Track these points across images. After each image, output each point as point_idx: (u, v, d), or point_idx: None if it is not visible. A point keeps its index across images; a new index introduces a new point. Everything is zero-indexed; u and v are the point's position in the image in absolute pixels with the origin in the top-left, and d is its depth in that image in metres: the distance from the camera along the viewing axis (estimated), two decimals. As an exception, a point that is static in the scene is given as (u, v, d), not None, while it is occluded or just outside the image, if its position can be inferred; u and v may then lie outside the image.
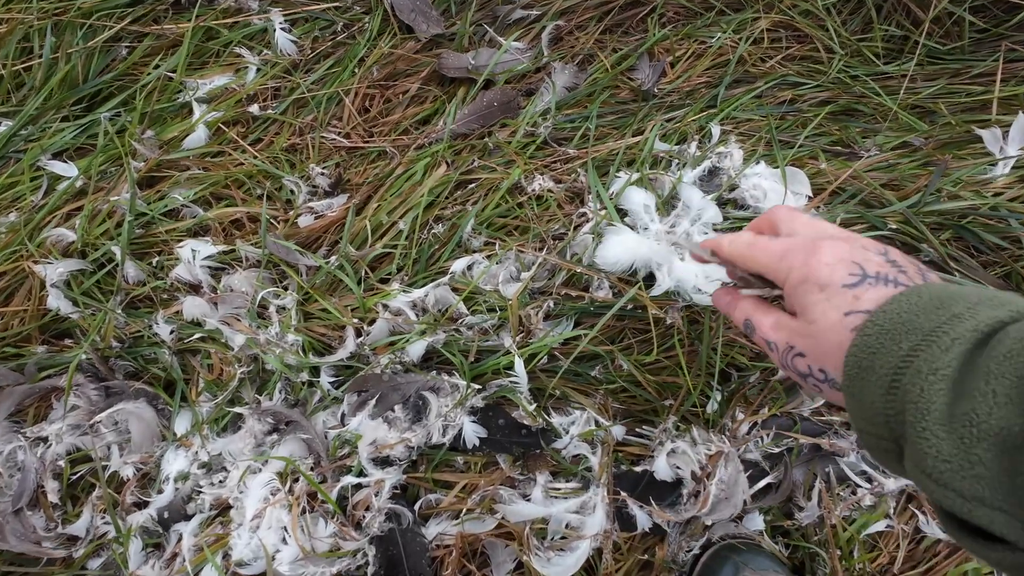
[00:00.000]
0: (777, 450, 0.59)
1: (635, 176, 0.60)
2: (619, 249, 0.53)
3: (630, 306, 0.56)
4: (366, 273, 0.56)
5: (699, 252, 0.42)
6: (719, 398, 0.59)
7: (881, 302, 0.30)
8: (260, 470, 0.53)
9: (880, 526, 0.58)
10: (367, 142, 0.63)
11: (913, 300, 0.29)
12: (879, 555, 0.56)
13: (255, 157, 0.60)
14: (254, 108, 0.61)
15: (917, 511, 0.58)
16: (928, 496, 0.26)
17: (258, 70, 0.64)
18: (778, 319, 0.36)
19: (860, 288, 0.31)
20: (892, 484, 0.58)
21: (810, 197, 0.62)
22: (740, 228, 0.61)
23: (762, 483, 0.59)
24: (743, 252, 0.38)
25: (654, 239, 0.55)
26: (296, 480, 0.53)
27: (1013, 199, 0.59)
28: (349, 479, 0.52)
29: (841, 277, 0.32)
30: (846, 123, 0.69)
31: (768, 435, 0.59)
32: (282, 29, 0.65)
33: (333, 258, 0.55)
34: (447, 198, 0.60)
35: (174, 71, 0.62)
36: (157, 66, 0.63)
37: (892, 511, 0.57)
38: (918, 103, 0.70)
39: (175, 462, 0.54)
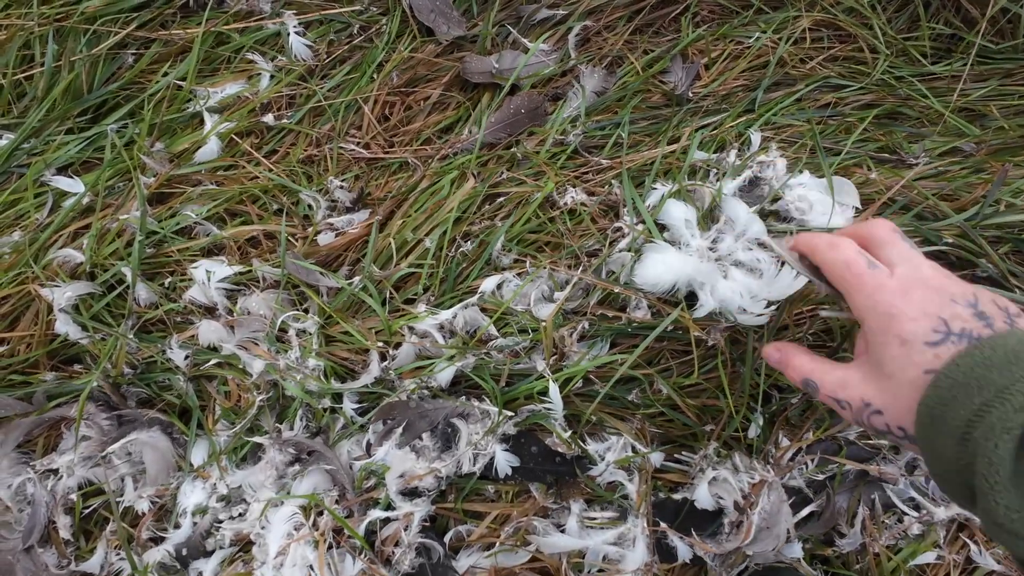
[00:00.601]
0: (822, 477, 0.57)
1: (673, 188, 0.57)
2: (660, 268, 0.50)
3: (670, 327, 0.53)
4: (390, 294, 0.54)
5: (786, 253, 0.41)
6: (761, 422, 0.56)
7: (957, 354, 0.30)
8: (282, 503, 0.50)
9: (930, 557, 0.55)
10: (388, 152, 0.60)
11: (987, 354, 0.30)
12: (931, 587, 0.54)
13: (270, 170, 0.57)
14: (268, 118, 0.58)
15: (969, 541, 0.55)
16: (1001, 544, 0.27)
17: (272, 77, 0.60)
18: (845, 376, 0.35)
19: (942, 347, 0.31)
20: (943, 513, 0.55)
21: (858, 209, 0.59)
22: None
23: (805, 511, 0.57)
24: (837, 270, 0.36)
25: (696, 256, 0.51)
26: (321, 514, 0.51)
27: (1076, 210, 0.56)
28: (377, 513, 0.50)
29: (924, 334, 0.32)
30: (891, 127, 0.66)
31: (812, 460, 0.56)
32: (296, 33, 0.62)
33: (356, 279, 0.52)
34: (475, 213, 0.56)
35: (183, 79, 0.59)
36: (165, 74, 0.60)
37: (942, 540, 0.55)
38: (968, 105, 0.66)
39: (192, 495, 0.51)
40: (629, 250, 0.55)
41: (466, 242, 0.55)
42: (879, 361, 0.33)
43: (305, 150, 0.60)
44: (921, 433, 0.30)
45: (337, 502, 0.51)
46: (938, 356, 0.31)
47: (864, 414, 0.34)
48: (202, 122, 0.59)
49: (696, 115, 0.66)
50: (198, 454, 0.53)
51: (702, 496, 0.55)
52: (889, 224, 0.38)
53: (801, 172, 0.60)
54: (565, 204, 0.57)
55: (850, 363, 0.36)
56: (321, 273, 0.54)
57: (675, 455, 0.57)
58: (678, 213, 0.55)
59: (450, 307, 0.54)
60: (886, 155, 0.62)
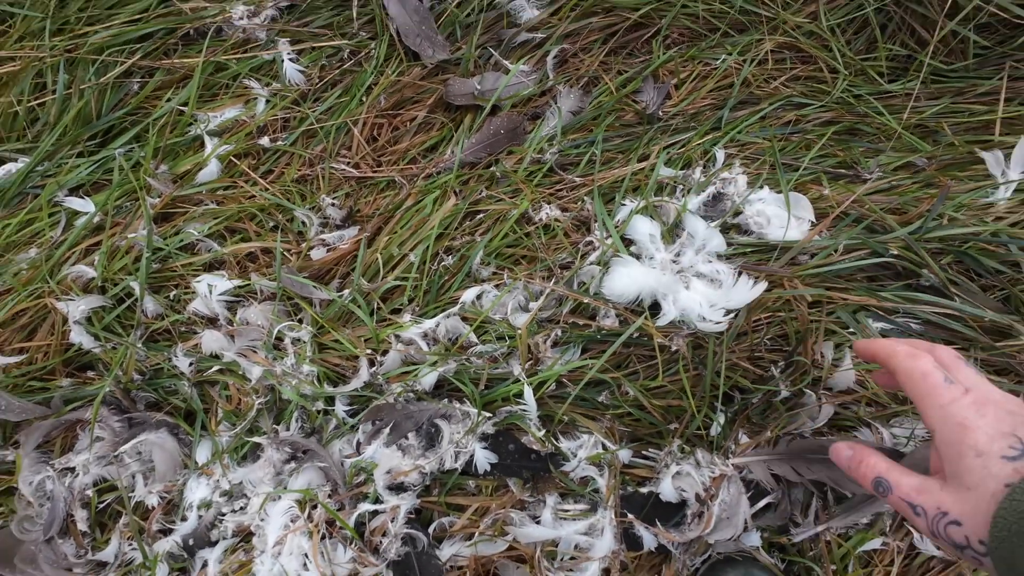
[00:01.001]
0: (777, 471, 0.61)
1: (640, 204, 0.61)
2: (625, 281, 0.55)
3: (636, 334, 0.58)
4: (378, 305, 0.58)
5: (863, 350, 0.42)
6: (722, 420, 0.61)
7: None
8: (280, 498, 0.55)
9: (876, 543, 0.60)
10: (376, 171, 0.65)
11: None
12: (874, 570, 0.58)
13: (266, 190, 0.62)
14: (264, 140, 0.63)
15: (913, 529, 0.60)
16: None
17: (267, 101, 0.65)
18: (923, 482, 0.36)
19: (1021, 463, 0.32)
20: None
21: (813, 223, 0.63)
22: (744, 256, 0.63)
23: (762, 503, 0.62)
24: (913, 377, 0.37)
25: (659, 268, 0.56)
26: (315, 507, 0.55)
27: (1014, 224, 0.60)
28: (366, 506, 0.55)
29: (1000, 449, 0.32)
30: (849, 143, 0.70)
31: (770, 456, 0.60)
32: (290, 59, 0.66)
33: (346, 291, 0.57)
34: (456, 229, 0.61)
35: (185, 104, 0.63)
36: (169, 100, 0.64)
37: (888, 528, 0.59)
38: (922, 122, 0.71)
39: (197, 490, 0.56)
40: (599, 263, 0.59)
41: (448, 256, 0.60)
42: (956, 473, 0.33)
43: (299, 170, 0.64)
44: (997, 548, 0.30)
45: (330, 496, 0.56)
46: (1017, 471, 0.31)
47: (941, 523, 0.33)
48: (203, 145, 0.63)
49: (666, 133, 0.70)
50: (202, 453, 0.58)
51: (666, 489, 0.59)
52: (953, 351, 0.40)
53: (761, 188, 0.64)
54: (540, 220, 0.62)
55: (928, 475, 0.37)
56: (314, 286, 0.58)
57: (642, 452, 0.61)
58: (644, 228, 0.60)
59: (433, 317, 0.59)
60: (843, 170, 0.67)
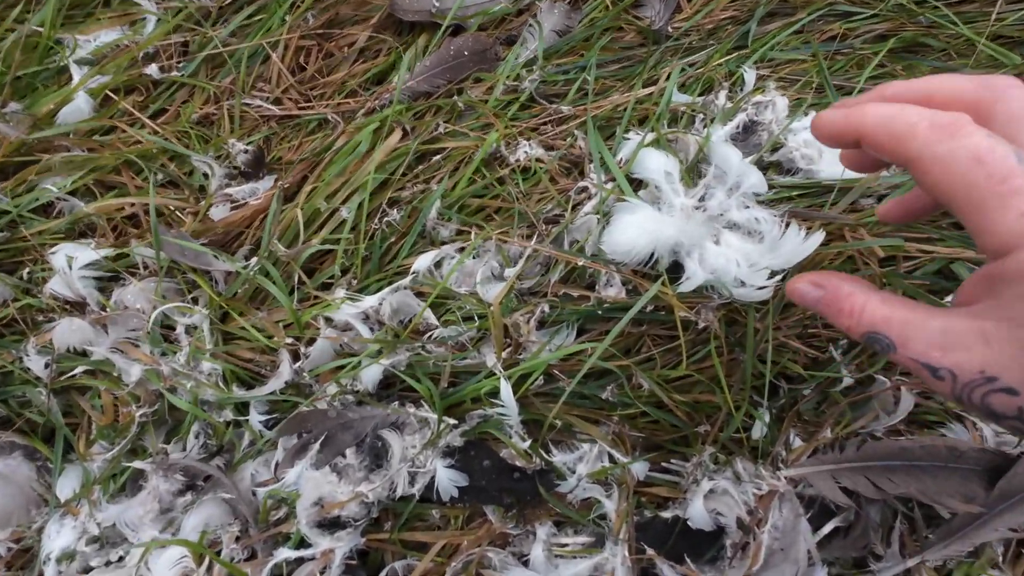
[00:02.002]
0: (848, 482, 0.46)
1: (650, 136, 0.46)
2: (634, 232, 0.40)
3: (650, 307, 0.43)
4: (300, 278, 0.43)
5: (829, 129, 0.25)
6: (767, 419, 0.46)
7: None
8: (168, 546, 0.40)
9: (984, 578, 0.45)
10: (303, 108, 0.50)
11: None
12: (987, 619, 0.43)
13: (156, 133, 0.47)
14: (152, 69, 0.48)
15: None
16: None
17: (159, 21, 0.50)
18: (948, 330, 0.23)
19: None
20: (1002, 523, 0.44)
21: (877, 155, 0.48)
22: (790, 200, 0.48)
23: (827, 527, 0.47)
24: (953, 172, 0.22)
25: (680, 216, 0.41)
26: (219, 553, 0.40)
27: None
28: (286, 552, 0.40)
29: None
30: (911, 61, 0.55)
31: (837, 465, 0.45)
32: (188, -33, 0.51)
33: (253, 260, 0.41)
34: (404, 175, 0.46)
35: (41, 26, 0.48)
36: (22, 20, 0.49)
37: (1001, 560, 0.44)
38: (1003, 32, 0.55)
39: (59, 536, 0.41)
40: (597, 213, 0.44)
41: (393, 211, 0.45)
42: (1021, 314, 0.21)
43: (201, 108, 0.49)
44: None
45: (237, 540, 0.41)
46: None
47: (979, 392, 0.22)
48: (71, 78, 0.48)
49: (677, 54, 0.55)
50: (67, 484, 0.43)
51: (697, 513, 0.45)
52: (1014, 80, 0.24)
53: (807, 114, 0.49)
54: (517, 161, 0.46)
55: (953, 311, 0.24)
56: (214, 255, 0.43)
57: (662, 464, 0.46)
58: (656, 164, 0.45)
59: (376, 292, 0.44)
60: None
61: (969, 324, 0.23)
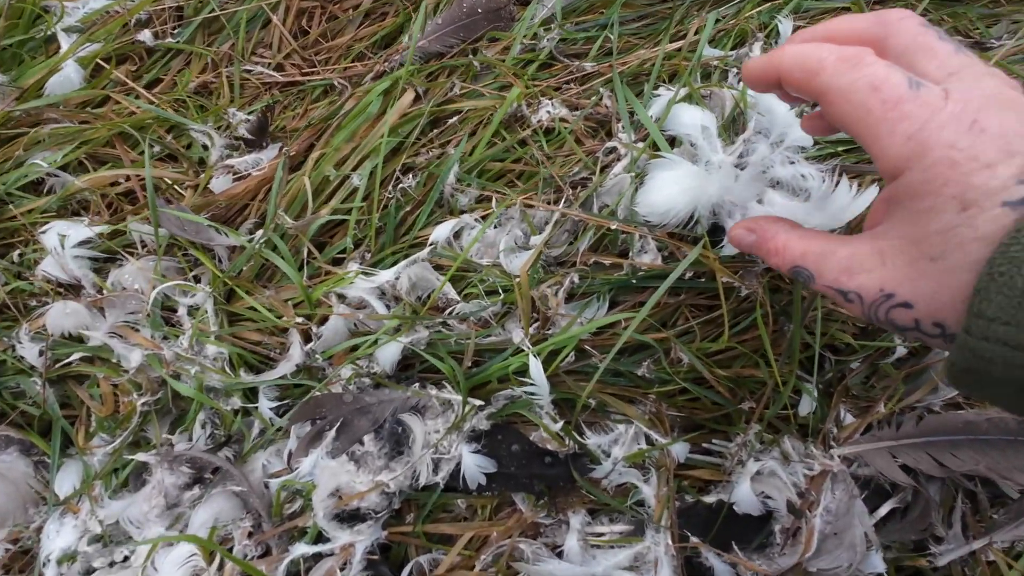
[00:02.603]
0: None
1: (682, 91, 0.42)
2: (673, 190, 0.36)
3: (688, 274, 0.39)
4: (310, 252, 0.40)
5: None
6: (816, 394, 0.42)
7: None
8: (176, 543, 0.37)
9: (1055, 561, 0.41)
10: (307, 74, 0.46)
11: None
12: (1066, 605, 0.40)
13: (151, 103, 0.43)
14: (145, 36, 0.45)
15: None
16: None
17: (151, -15, 0.46)
18: (853, 257, 0.25)
19: None
20: (1073, 500, 0.41)
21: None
22: (835, 156, 0.44)
23: (884, 509, 0.43)
24: (853, 101, 0.23)
25: (720, 173, 0.37)
26: (231, 550, 0.37)
27: None
28: (302, 547, 0.37)
29: (1004, 187, 0.21)
30: (956, 8, 0.51)
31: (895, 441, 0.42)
32: (180, -73, 0.47)
33: (258, 233, 0.38)
34: (419, 140, 0.42)
35: (27, -11, 0.45)
36: (5, -15, 0.46)
37: (1077, 539, 0.41)
38: (1056, -26, 0.51)
39: (59, 536, 0.39)
40: (628, 173, 0.41)
41: (408, 177, 0.41)
42: (918, 236, 0.23)
43: (198, 76, 0.46)
44: (990, 310, 0.20)
45: (250, 536, 0.38)
46: (1020, 221, 0.20)
47: (882, 308, 0.24)
48: (59, 47, 0.45)
49: (703, 8, 0.51)
50: (66, 480, 0.40)
51: (744, 497, 0.41)
52: (913, 15, 0.25)
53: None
54: (539, 121, 0.43)
55: (858, 237, 0.26)
56: (217, 230, 0.40)
57: (703, 444, 0.43)
58: (691, 119, 0.41)
59: (392, 265, 0.40)
60: (960, 39, 0.48)
61: (870, 246, 0.25)
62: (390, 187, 0.42)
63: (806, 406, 0.44)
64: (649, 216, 0.39)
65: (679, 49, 0.47)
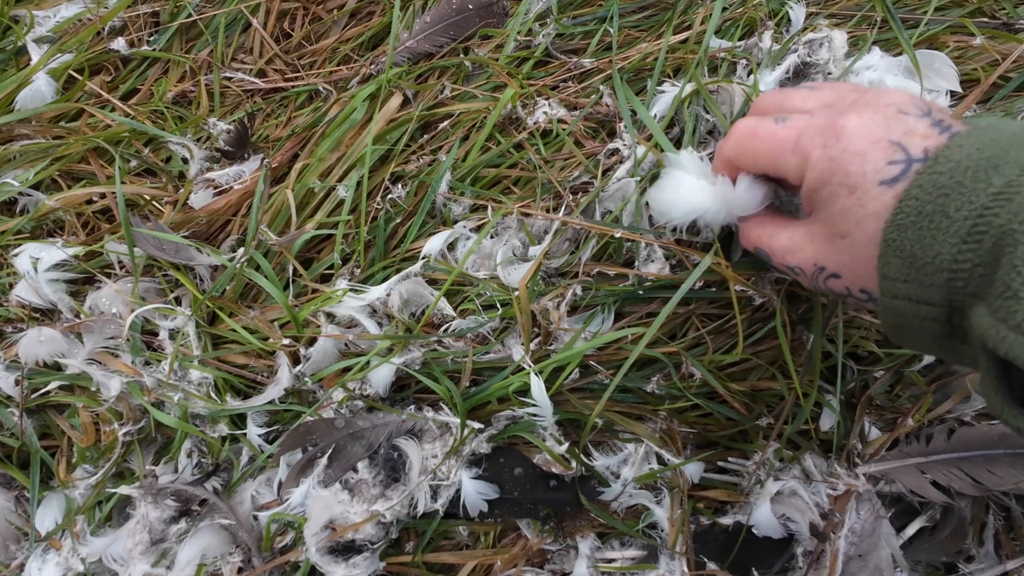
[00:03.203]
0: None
1: (688, 88, 0.39)
2: (689, 188, 0.34)
3: (699, 283, 0.37)
4: (295, 270, 0.37)
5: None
6: (837, 407, 0.39)
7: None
8: (162, 580, 0.35)
9: (1098, 579, 0.38)
10: (291, 80, 0.44)
11: (994, 135, 0.24)
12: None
13: (128, 115, 0.41)
14: (119, 44, 0.42)
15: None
16: (1000, 353, 0.21)
17: (124, -10, 0.44)
18: (792, 239, 0.30)
19: (903, 183, 0.25)
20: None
21: (955, 94, 0.41)
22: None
23: (912, 528, 0.40)
24: (749, 152, 0.31)
25: (720, 183, 0.34)
26: (220, 587, 0.35)
27: None
28: (295, 584, 0.34)
29: (876, 169, 0.25)
30: (980, -10, 0.48)
31: (925, 457, 0.39)
32: (154, -72, 0.45)
33: (239, 251, 0.36)
34: (408, 147, 0.40)
35: (-6, -1, 0.43)
36: (-29, -5, 0.44)
37: (1123, 558, 0.38)
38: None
39: (41, 574, 0.36)
40: (632, 177, 0.38)
41: (397, 187, 0.39)
42: (828, 218, 0.28)
43: (176, 85, 0.43)
44: (897, 240, 0.24)
45: (240, 571, 0.36)
46: (897, 196, 0.25)
47: (819, 279, 0.29)
48: (30, 59, 0.43)
49: (709, -3, 0.48)
50: (48, 514, 0.38)
51: (763, 519, 0.39)
52: (773, 90, 0.33)
53: (870, 51, 0.42)
54: (536, 123, 0.40)
55: (796, 222, 0.31)
56: (197, 248, 0.38)
57: (719, 463, 0.41)
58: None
59: (383, 280, 0.38)
60: (986, 20, 0.44)
61: (804, 229, 0.30)
62: (379, 198, 0.39)
63: (828, 420, 0.41)
64: (661, 217, 0.37)
65: (684, 41, 0.44)
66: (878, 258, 0.25)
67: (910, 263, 0.24)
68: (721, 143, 0.33)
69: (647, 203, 0.38)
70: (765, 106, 0.32)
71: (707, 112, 0.41)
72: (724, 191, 0.33)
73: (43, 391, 0.38)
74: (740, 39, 0.46)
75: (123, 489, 0.37)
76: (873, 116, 0.26)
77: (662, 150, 0.39)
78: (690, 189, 0.34)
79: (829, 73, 0.42)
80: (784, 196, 0.35)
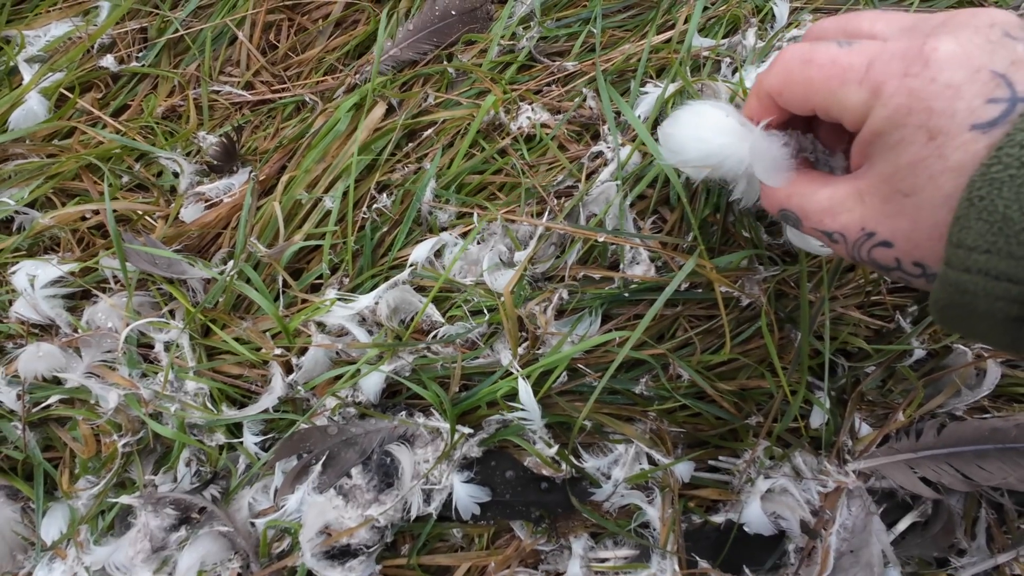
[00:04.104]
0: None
1: (672, 87, 0.39)
2: (710, 125, 0.28)
3: (684, 284, 0.37)
4: (285, 281, 0.38)
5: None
6: (827, 404, 0.40)
7: None
8: (163, 587, 0.36)
9: (1093, 571, 0.38)
10: (278, 91, 0.44)
11: None
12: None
13: (119, 132, 0.42)
14: (108, 61, 0.43)
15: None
16: None
17: (113, 7, 0.44)
18: (834, 198, 0.25)
19: (1001, 127, 0.19)
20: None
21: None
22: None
23: (903, 524, 0.41)
24: (793, 74, 0.24)
25: (756, 133, 0.28)
26: (221, 592, 0.36)
27: None
28: (292, 589, 0.35)
29: (970, 109, 0.20)
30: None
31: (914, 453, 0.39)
32: (140, -56, 0.45)
33: (229, 264, 0.36)
34: (393, 156, 0.40)
35: (-14, 21, 0.43)
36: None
37: (1116, 550, 0.38)
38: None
39: (48, 583, 0.37)
40: (616, 180, 0.38)
41: (383, 196, 0.39)
42: (890, 172, 0.22)
43: (165, 100, 0.44)
44: (970, 239, 0.20)
45: (239, 577, 0.37)
46: (993, 146, 0.19)
47: (864, 248, 0.24)
48: (21, 79, 0.44)
49: (694, -6, 0.48)
50: (53, 524, 0.39)
51: (754, 517, 0.39)
52: (826, 19, 0.27)
53: (853, 45, 0.42)
54: (519, 128, 0.40)
55: (839, 178, 0.25)
56: (189, 262, 0.38)
57: (709, 462, 0.41)
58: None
59: (372, 289, 0.38)
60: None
61: (849, 187, 0.24)
62: (365, 207, 0.40)
63: (818, 418, 0.41)
64: (673, 153, 0.30)
65: (667, 41, 0.44)
66: (952, 223, 0.20)
67: (999, 230, 0.19)
68: (762, 74, 0.26)
69: (658, 138, 0.31)
70: (823, 31, 0.26)
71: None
72: (756, 137, 0.27)
73: (44, 405, 0.39)
74: (724, 37, 0.45)
75: (124, 499, 0.38)
76: (973, 38, 0.20)
77: (646, 152, 0.39)
78: (716, 126, 0.28)
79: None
80: (822, 153, 0.28)
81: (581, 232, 0.38)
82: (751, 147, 0.27)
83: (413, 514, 0.38)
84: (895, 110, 0.21)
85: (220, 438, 0.40)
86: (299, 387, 0.39)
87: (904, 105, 0.21)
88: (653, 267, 0.38)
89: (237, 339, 0.39)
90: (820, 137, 0.28)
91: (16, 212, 0.41)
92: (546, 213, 0.39)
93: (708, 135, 0.28)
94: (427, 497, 0.39)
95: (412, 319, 0.39)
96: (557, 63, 0.44)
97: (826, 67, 0.23)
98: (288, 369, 0.39)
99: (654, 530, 0.40)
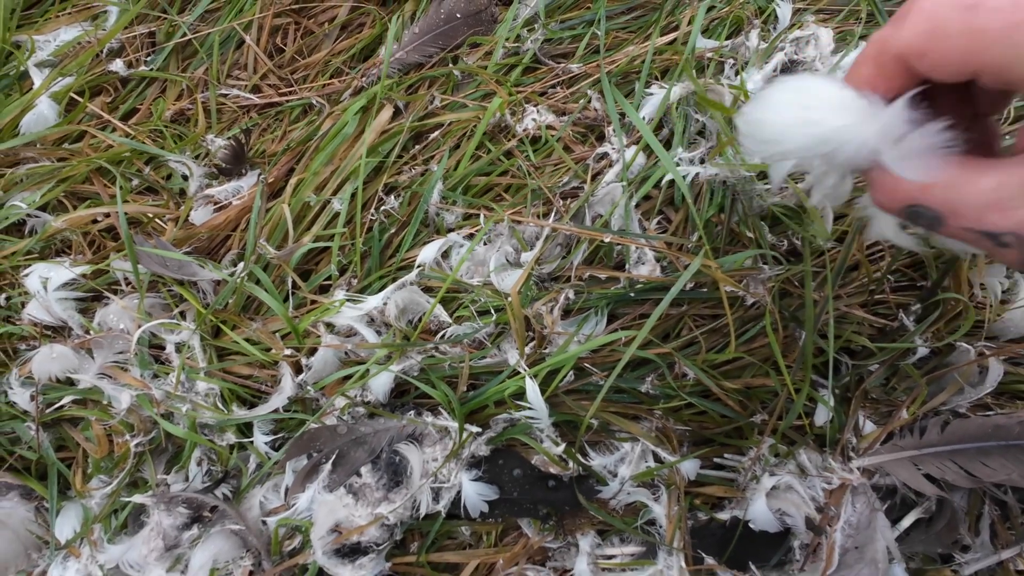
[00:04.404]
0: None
1: (677, 88, 0.40)
2: (829, 98, 0.22)
3: (690, 284, 0.37)
4: (294, 282, 0.38)
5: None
6: (831, 402, 0.40)
7: None
8: (177, 584, 0.36)
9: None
10: (285, 94, 0.45)
11: None
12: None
13: (129, 136, 0.42)
14: (118, 65, 0.43)
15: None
16: None
17: (121, 12, 0.45)
18: (1003, 185, 0.18)
19: None
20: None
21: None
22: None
23: (907, 520, 0.41)
24: (949, 23, 0.18)
25: (888, 113, 0.21)
26: (233, 590, 0.36)
27: None
28: (303, 586, 0.36)
29: None
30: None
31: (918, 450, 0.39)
32: (147, -51, 0.46)
33: (239, 266, 0.37)
34: (400, 158, 0.41)
35: (-4, 26, 0.44)
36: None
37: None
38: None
39: (63, 581, 0.38)
40: (621, 181, 0.38)
41: (391, 198, 0.40)
42: None
43: (174, 104, 0.44)
44: None
45: (251, 575, 0.37)
46: None
47: None
48: (32, 83, 0.44)
49: (697, -4, 0.48)
50: (67, 524, 0.39)
51: (759, 514, 0.40)
52: None
53: (857, 46, 0.42)
54: (525, 130, 0.41)
55: (1005, 162, 0.19)
56: (199, 264, 0.39)
57: (715, 460, 0.41)
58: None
59: (380, 289, 0.39)
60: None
61: (1020, 174, 0.18)
62: (373, 209, 0.40)
63: (822, 415, 0.41)
64: (759, 143, 0.23)
65: (671, 42, 0.45)
66: None
67: None
68: (884, 34, 0.20)
69: (738, 129, 0.24)
70: None
71: (696, 112, 0.42)
72: (891, 114, 0.20)
73: (57, 406, 0.39)
74: (727, 38, 0.46)
75: (137, 498, 0.38)
76: None
77: (651, 153, 0.39)
78: (830, 102, 0.21)
79: (819, 69, 0.42)
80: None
81: (587, 233, 0.38)
82: (882, 128, 0.20)
83: (422, 512, 0.39)
84: None
85: (231, 438, 0.40)
86: (309, 387, 0.40)
87: None
88: (658, 267, 0.39)
89: (247, 340, 0.39)
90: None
91: (28, 215, 0.41)
92: (552, 214, 0.40)
93: (819, 115, 0.21)
94: (436, 495, 0.39)
95: (420, 319, 0.39)
96: (562, 65, 0.44)
97: (1005, 11, 0.18)
98: (298, 369, 0.40)
99: (660, 527, 0.40)
